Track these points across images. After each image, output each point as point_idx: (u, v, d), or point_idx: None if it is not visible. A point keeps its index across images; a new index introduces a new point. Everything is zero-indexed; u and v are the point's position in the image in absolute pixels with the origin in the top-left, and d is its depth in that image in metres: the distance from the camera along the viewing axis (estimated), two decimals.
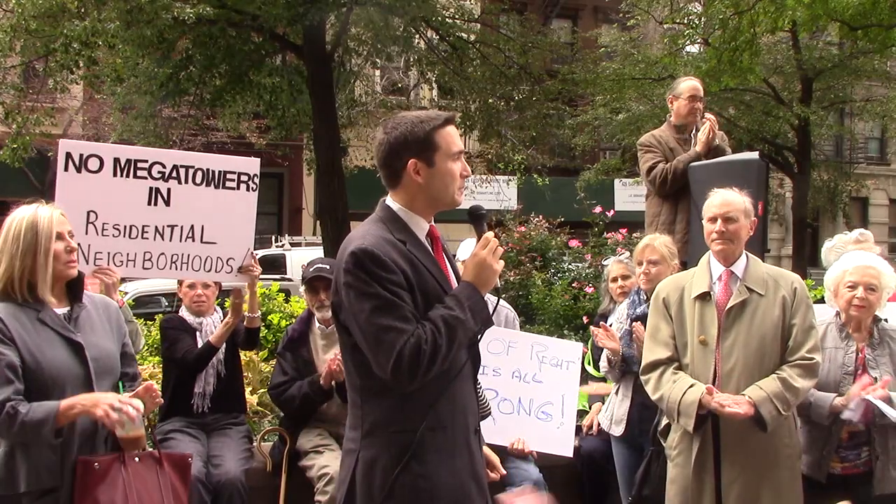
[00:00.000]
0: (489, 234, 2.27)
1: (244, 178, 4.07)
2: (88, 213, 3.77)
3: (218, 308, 4.41)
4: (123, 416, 2.63)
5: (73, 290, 2.84)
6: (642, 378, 3.42)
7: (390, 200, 2.36)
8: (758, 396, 3.06)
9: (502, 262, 2.26)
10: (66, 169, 3.75)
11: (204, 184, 3.98)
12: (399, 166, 2.29)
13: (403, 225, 2.31)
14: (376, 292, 2.16)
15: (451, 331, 2.17)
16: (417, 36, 11.80)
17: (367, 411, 2.28)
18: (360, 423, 2.29)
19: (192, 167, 3.97)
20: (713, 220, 3.32)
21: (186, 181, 3.95)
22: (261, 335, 4.90)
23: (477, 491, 2.32)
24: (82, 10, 8.77)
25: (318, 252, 11.32)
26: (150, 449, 2.97)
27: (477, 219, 2.35)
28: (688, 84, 5.07)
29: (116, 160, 3.84)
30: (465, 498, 2.28)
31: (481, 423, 2.50)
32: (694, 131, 5.00)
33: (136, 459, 2.83)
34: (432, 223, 2.40)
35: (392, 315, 2.15)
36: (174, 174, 3.93)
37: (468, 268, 2.31)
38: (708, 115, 4.97)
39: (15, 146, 10.21)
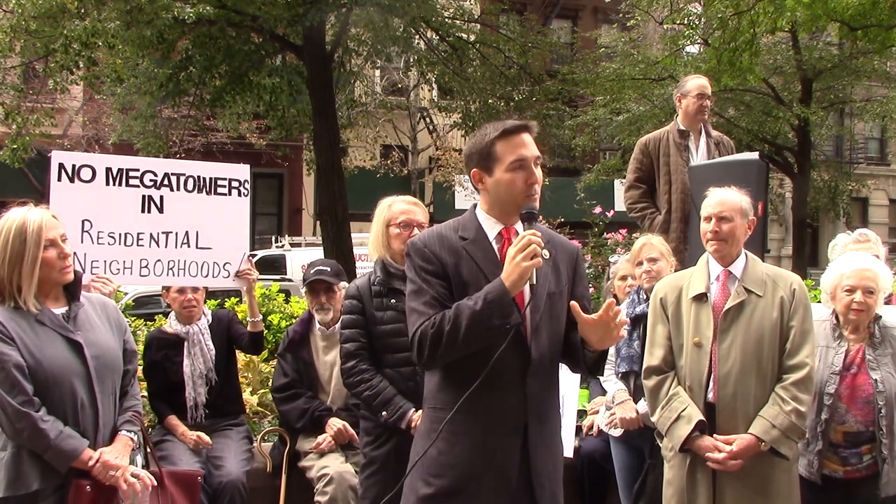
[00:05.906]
0: (526, 233, 2.31)
1: (235, 183, 4.12)
2: (83, 221, 3.80)
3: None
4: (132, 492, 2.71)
5: (69, 290, 2.83)
6: (643, 381, 3.40)
7: (478, 202, 2.57)
8: (773, 437, 3.01)
9: (538, 261, 2.27)
10: (59, 179, 3.78)
11: (195, 190, 4.04)
12: (470, 175, 2.50)
13: (475, 225, 2.49)
14: (412, 278, 2.44)
15: (458, 318, 2.29)
16: (417, 36, 11.79)
17: (423, 385, 2.57)
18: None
19: (183, 174, 4.03)
20: (708, 219, 3.29)
21: (178, 188, 4.00)
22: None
23: (493, 486, 2.37)
24: (82, 11, 8.77)
25: (318, 252, 11.30)
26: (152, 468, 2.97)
27: (525, 219, 2.42)
28: (696, 82, 5.02)
29: (108, 169, 3.89)
30: (474, 483, 2.36)
31: None
32: (695, 136, 4.97)
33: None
34: (512, 225, 2.47)
35: (418, 300, 2.39)
36: (166, 182, 3.98)
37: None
38: None
39: (15, 146, 10.23)
